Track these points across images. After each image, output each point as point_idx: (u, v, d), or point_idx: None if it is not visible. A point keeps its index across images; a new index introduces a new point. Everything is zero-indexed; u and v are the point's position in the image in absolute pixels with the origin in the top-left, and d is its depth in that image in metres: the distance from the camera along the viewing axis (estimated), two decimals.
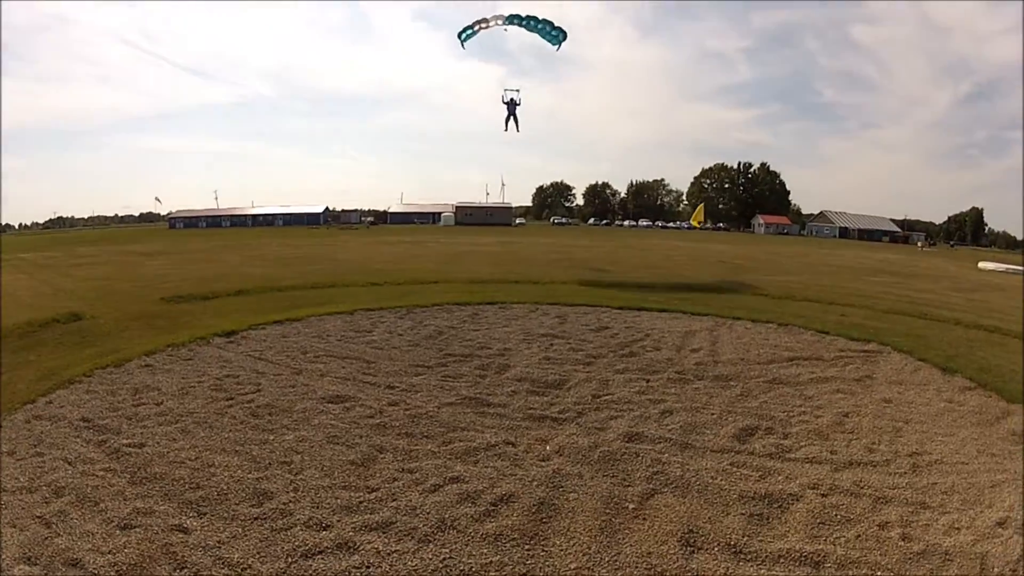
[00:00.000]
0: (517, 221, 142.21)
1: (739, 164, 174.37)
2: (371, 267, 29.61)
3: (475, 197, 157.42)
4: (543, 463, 8.02)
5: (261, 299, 18.35)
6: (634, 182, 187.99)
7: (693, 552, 6.32)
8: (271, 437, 8.05)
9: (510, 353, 13.10)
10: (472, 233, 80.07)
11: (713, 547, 6.43)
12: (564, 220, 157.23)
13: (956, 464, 8.87)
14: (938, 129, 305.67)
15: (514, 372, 11.66)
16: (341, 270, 27.99)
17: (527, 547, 6.11)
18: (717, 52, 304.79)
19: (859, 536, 6.86)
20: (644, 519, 6.84)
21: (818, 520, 7.14)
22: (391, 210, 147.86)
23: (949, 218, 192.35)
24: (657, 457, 8.39)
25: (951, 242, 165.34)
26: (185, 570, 5.29)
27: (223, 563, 5.39)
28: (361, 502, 6.65)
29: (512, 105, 35.31)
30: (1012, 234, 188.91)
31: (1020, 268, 57.65)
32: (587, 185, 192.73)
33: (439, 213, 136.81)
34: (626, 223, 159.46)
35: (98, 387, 10.00)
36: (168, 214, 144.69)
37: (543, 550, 6.09)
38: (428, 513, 6.51)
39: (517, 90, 34.79)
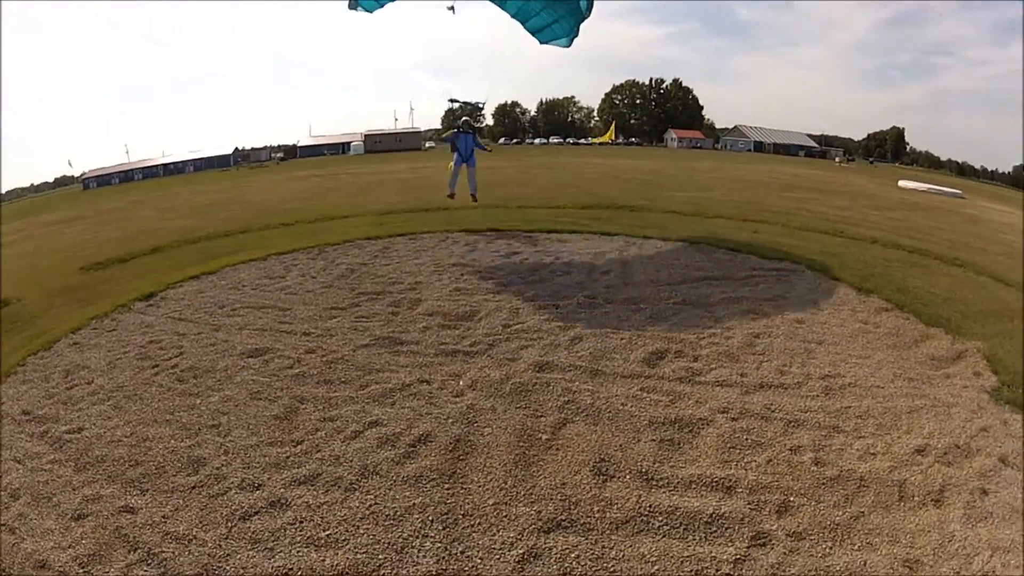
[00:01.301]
0: (427, 145, 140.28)
1: (651, 80, 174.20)
2: (282, 207, 29.19)
3: (384, 124, 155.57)
4: (457, 399, 8.16)
5: (177, 254, 18.10)
6: (544, 100, 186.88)
7: (606, 481, 6.59)
8: (198, 401, 8.13)
9: (421, 287, 13.19)
10: (382, 161, 79.18)
11: (625, 475, 6.71)
12: None
13: (871, 388, 9.08)
14: (859, 50, 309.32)
15: (425, 306, 11.77)
16: (253, 213, 27.57)
17: (447, 486, 6.35)
18: None
19: (770, 461, 7.12)
20: (557, 449, 7.11)
21: (729, 445, 7.40)
22: (300, 144, 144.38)
23: (869, 135, 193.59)
24: (568, 386, 8.55)
25: (871, 159, 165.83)
26: (138, 551, 5.47)
27: (171, 537, 5.60)
28: (288, 457, 6.82)
29: (466, 135, 20.83)
30: (935, 154, 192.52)
31: (943, 188, 59.07)
32: (496, 105, 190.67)
33: (349, 143, 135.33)
34: (537, 141, 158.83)
35: (32, 375, 9.89)
36: (82, 175, 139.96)
37: (462, 488, 6.33)
38: (351, 461, 6.72)
39: (479, 105, 24.84)
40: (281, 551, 5.46)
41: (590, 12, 15.97)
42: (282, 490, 6.22)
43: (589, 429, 7.52)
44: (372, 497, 6.15)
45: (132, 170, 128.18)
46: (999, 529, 6.21)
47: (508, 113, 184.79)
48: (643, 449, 7.18)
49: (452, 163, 21.61)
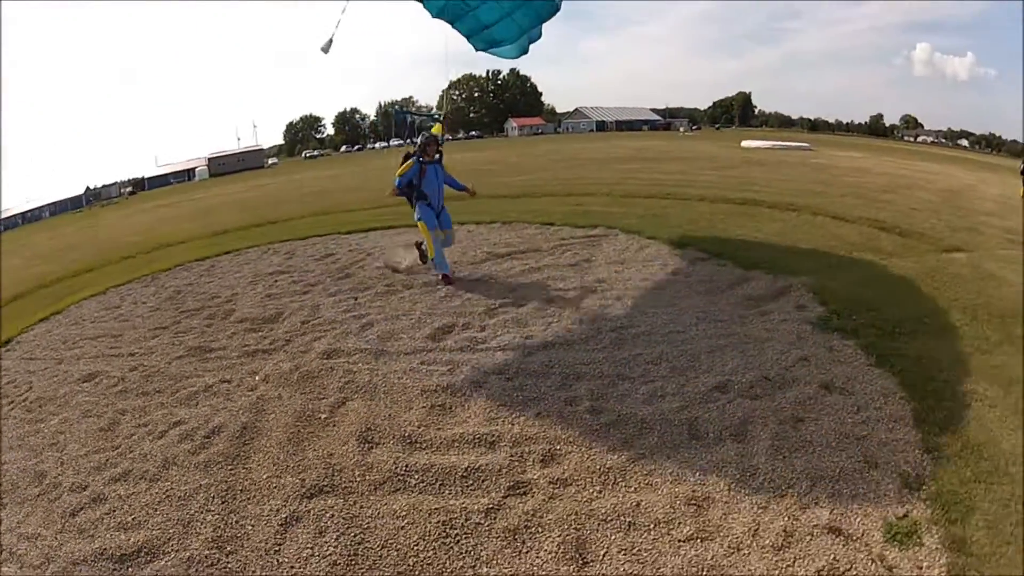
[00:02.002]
0: (270, 162, 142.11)
1: (487, 72, 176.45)
2: (127, 240, 29.51)
3: (228, 145, 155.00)
4: (251, 392, 8.87)
5: (34, 300, 18.56)
6: (382, 103, 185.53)
7: (371, 448, 7.23)
8: (42, 426, 8.87)
9: (237, 298, 13.83)
10: (226, 183, 79.20)
11: (389, 441, 7.32)
12: (316, 153, 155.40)
13: (669, 334, 9.46)
14: (704, 21, 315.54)
15: (237, 315, 12.52)
16: (99, 251, 27.81)
17: (230, 468, 7.12)
18: None
19: (540, 414, 7.53)
20: (333, 426, 7.77)
21: (499, 404, 7.87)
22: (147, 175, 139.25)
23: (715, 103, 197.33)
24: (350, 368, 9.23)
25: (716, 125, 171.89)
26: (3, 552, 6.40)
27: (24, 538, 6.47)
28: (108, 460, 7.66)
29: (434, 167, 13.21)
30: (786, 114, 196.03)
31: (789, 143, 63.03)
32: (336, 113, 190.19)
33: (194, 169, 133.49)
34: (378, 145, 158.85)
35: None
36: None
37: (243, 467, 7.09)
38: (156, 456, 7.53)
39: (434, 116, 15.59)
40: (99, 536, 6.32)
41: (558, 6, 11.85)
42: (102, 487, 7.07)
43: (364, 404, 8.18)
44: (169, 484, 6.98)
45: None
46: (822, 458, 6.40)
47: (348, 120, 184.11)
48: (412, 416, 7.78)
49: (420, 219, 12.96)
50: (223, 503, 6.59)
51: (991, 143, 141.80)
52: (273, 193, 45.71)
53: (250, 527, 6.22)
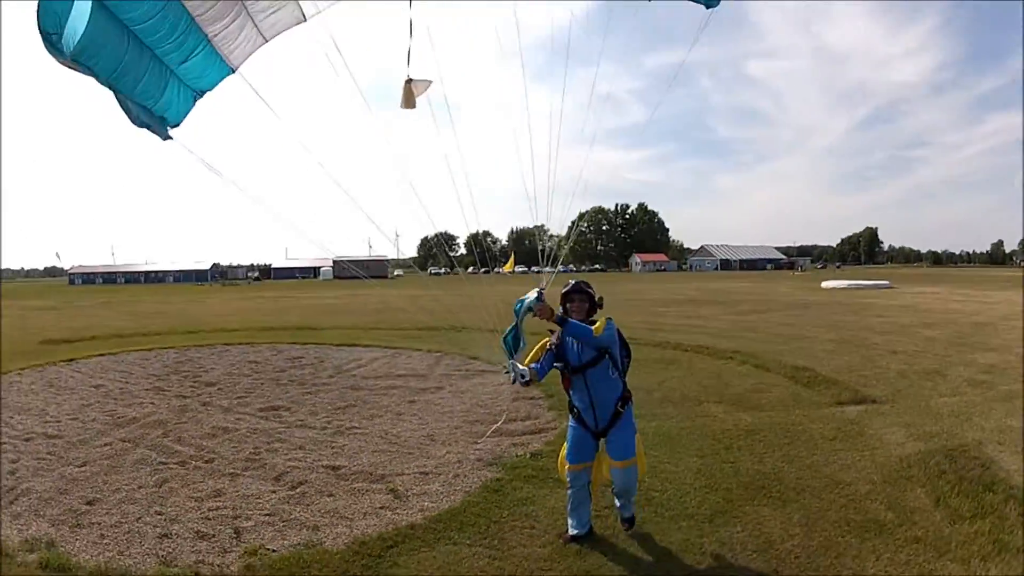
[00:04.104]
0: (395, 272, 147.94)
1: (616, 206, 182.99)
2: (202, 319, 34.75)
3: (364, 248, 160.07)
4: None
5: (99, 343, 23.96)
6: (514, 229, 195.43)
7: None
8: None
9: (210, 370, 18.26)
10: (333, 287, 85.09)
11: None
12: (442, 271, 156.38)
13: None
14: (834, 154, 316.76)
15: (203, 379, 16.84)
16: (174, 322, 33.15)
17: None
18: (607, 94, 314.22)
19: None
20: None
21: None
22: (274, 265, 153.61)
23: (842, 240, 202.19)
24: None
25: (836, 264, 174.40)
26: None
27: None
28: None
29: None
30: (913, 248, 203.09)
31: (865, 283, 64.09)
32: (469, 234, 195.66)
33: (319, 268, 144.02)
34: (504, 269, 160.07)
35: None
36: (69, 269, 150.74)
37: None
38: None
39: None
40: None
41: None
42: None
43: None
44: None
45: (116, 273, 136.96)
46: None
47: (479, 242, 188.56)
48: None
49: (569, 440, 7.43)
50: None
51: None
52: (344, 304, 50.11)
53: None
